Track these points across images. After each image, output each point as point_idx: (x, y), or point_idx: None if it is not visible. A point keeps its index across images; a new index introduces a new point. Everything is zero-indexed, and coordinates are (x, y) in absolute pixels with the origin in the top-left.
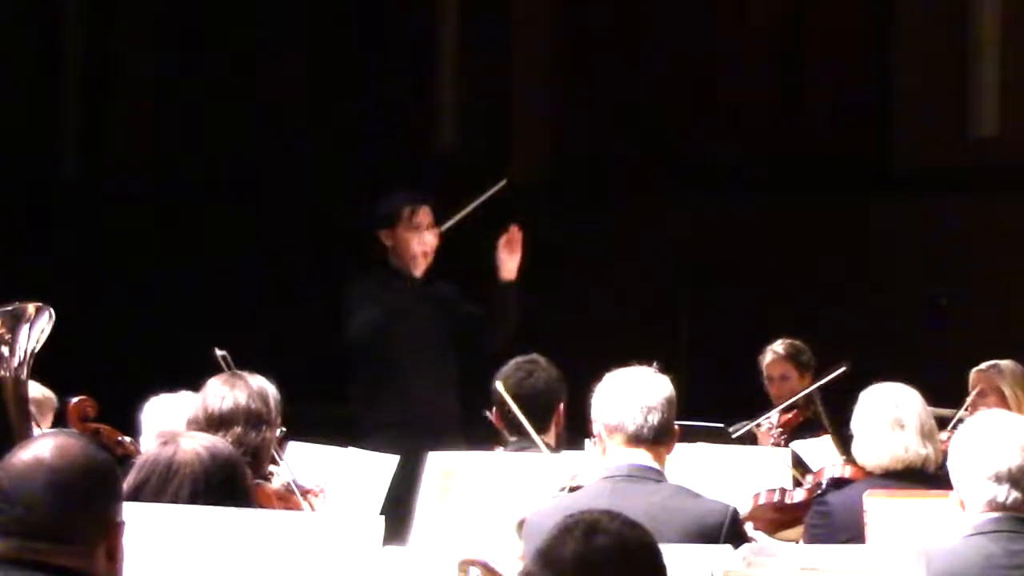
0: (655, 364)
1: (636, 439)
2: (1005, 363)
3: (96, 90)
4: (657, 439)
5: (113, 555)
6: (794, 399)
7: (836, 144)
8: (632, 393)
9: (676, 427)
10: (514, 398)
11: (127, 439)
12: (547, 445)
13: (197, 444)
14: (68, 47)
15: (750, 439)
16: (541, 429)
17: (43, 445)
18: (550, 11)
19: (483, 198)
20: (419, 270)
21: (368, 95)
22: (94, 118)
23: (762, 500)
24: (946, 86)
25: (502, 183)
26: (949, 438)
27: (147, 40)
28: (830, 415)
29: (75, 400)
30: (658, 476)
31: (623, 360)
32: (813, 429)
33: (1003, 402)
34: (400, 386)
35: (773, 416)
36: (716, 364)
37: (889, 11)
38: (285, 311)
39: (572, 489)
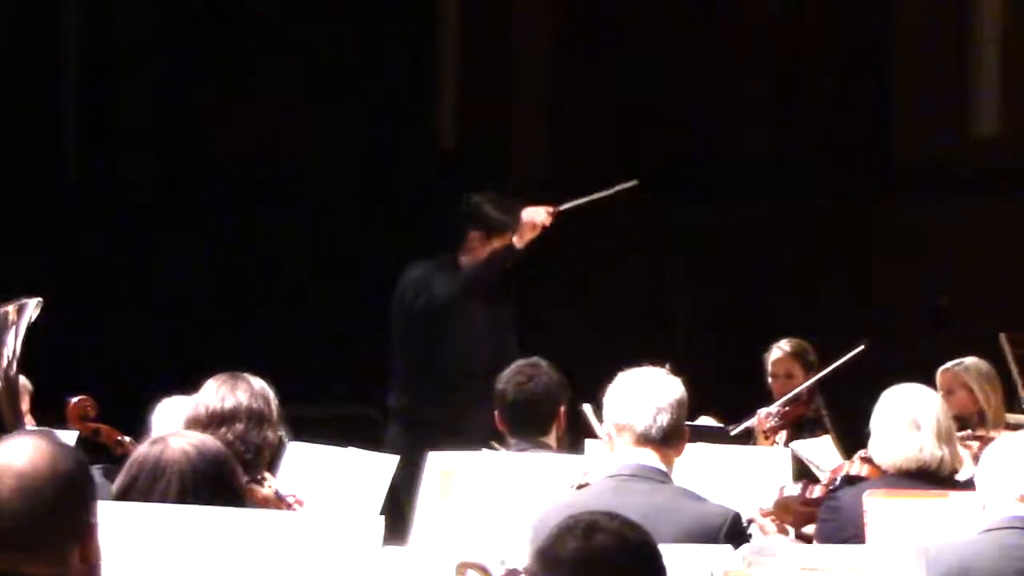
0: (667, 366)
1: (644, 439)
2: (970, 360)
3: (96, 90)
4: (665, 440)
5: (87, 557)
6: (797, 392)
7: (836, 144)
8: (642, 393)
9: (686, 429)
10: (513, 403)
11: (127, 439)
12: (547, 447)
13: (185, 443)
14: (68, 46)
15: (747, 436)
16: (541, 433)
17: (6, 452)
18: (550, 11)
19: (610, 192)
20: None
21: (368, 95)
22: (94, 118)
23: (787, 493)
24: (946, 86)
25: (633, 183)
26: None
27: (147, 40)
28: (831, 415)
29: (75, 400)
30: (663, 477)
31: (621, 359)
32: (813, 429)
33: (971, 397)
34: (443, 383)
35: (773, 408)
36: (715, 364)
37: (889, 11)
38: (285, 311)
39: (581, 486)
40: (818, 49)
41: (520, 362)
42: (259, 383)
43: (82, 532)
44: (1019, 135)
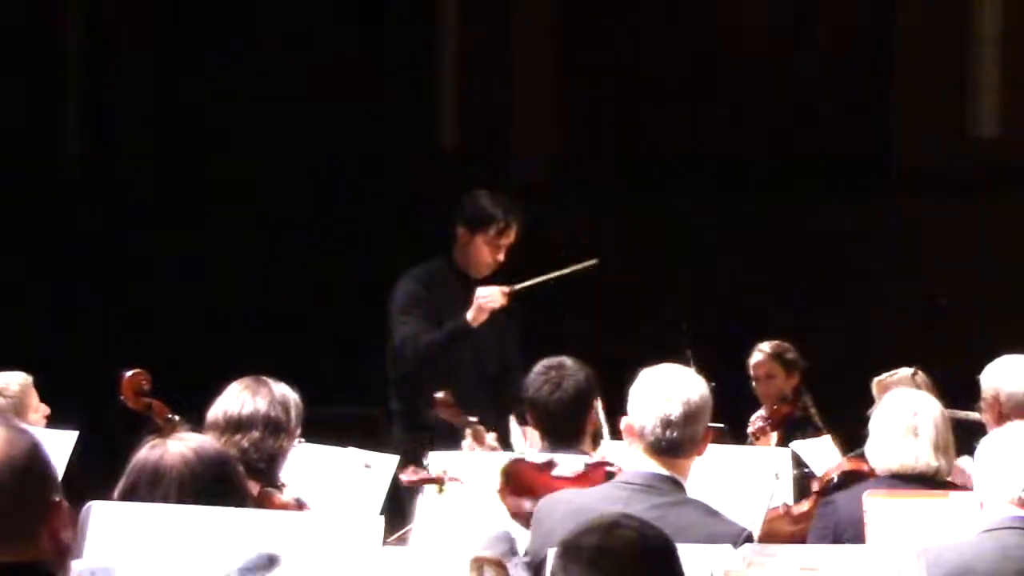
0: (693, 366)
1: (654, 450)
2: (903, 371)
3: (96, 90)
4: (675, 452)
5: (56, 535)
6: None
7: (835, 144)
8: (657, 402)
9: (702, 434)
10: (542, 413)
11: (176, 417)
12: (583, 452)
13: (184, 447)
14: (68, 47)
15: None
16: (576, 439)
17: None
18: (550, 11)
19: (567, 271)
20: (480, 275)
21: (368, 95)
22: (94, 117)
23: (768, 517)
24: (946, 86)
25: (592, 262)
26: None
27: (147, 40)
28: (821, 412)
29: (130, 374)
30: (674, 486)
31: (620, 359)
32: (804, 428)
33: None
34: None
35: (762, 411)
36: (715, 363)
37: (889, 11)
38: (286, 311)
39: (546, 464)
40: (818, 49)
41: (545, 364)
42: (281, 390)
43: (48, 512)
44: (1019, 135)
